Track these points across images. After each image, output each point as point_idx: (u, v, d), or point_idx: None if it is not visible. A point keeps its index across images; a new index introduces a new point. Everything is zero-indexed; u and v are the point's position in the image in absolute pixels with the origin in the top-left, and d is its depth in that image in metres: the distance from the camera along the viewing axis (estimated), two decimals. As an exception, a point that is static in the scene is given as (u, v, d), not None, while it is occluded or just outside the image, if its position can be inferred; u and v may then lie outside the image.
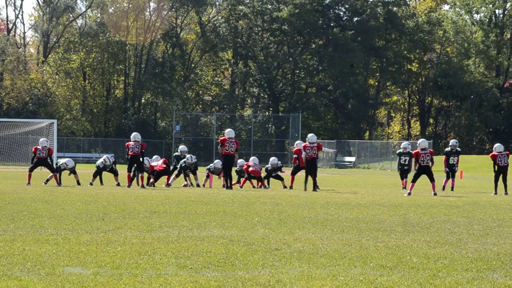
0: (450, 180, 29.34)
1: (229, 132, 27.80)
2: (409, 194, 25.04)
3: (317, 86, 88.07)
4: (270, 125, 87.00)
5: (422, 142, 26.53)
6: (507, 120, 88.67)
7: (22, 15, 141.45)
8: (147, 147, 29.14)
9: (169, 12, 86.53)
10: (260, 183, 28.89)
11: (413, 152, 27.13)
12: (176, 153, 30.56)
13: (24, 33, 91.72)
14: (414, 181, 25.60)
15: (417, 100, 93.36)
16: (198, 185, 28.60)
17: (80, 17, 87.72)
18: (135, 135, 27.87)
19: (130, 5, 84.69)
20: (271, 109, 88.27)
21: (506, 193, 27.20)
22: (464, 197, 24.98)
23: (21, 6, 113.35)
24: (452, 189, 28.98)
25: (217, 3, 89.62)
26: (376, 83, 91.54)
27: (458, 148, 29.78)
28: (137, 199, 20.17)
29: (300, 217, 15.93)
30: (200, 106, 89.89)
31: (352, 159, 73.07)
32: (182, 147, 30.49)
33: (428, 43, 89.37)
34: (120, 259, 9.59)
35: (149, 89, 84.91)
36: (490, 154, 28.23)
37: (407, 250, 10.94)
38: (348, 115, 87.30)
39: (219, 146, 27.49)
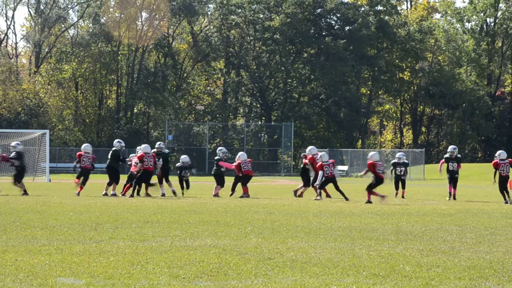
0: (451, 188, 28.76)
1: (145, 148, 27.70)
2: (369, 202, 25.39)
3: (309, 95, 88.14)
4: (262, 134, 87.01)
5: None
6: (499, 128, 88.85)
7: (14, 25, 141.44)
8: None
9: (161, 22, 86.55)
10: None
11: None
12: (178, 164, 29.57)
13: (16, 43, 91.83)
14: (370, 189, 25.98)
15: (409, 108, 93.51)
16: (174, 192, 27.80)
17: (72, 27, 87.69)
18: (85, 147, 27.86)
19: (122, 15, 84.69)
20: (263, 118, 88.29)
21: (506, 202, 26.50)
22: (456, 205, 25.01)
23: (12, 17, 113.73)
24: (454, 198, 28.45)
25: (209, 13, 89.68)
26: (368, 92, 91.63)
27: (458, 155, 29.42)
28: (129, 209, 20.15)
29: (293, 226, 15.93)
30: (193, 116, 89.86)
31: (345, 167, 73.07)
32: (184, 157, 29.64)
33: (419, 51, 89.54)
34: (113, 269, 9.58)
35: (142, 99, 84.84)
36: (493, 162, 27.20)
37: (400, 259, 10.95)
38: (340, 124, 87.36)
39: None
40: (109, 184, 27.94)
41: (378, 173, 25.71)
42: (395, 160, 30.57)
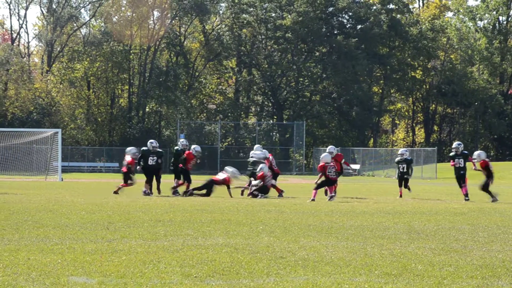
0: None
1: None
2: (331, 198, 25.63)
3: (321, 93, 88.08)
4: (274, 133, 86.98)
5: (325, 157, 26.53)
6: (511, 126, 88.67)
7: (26, 24, 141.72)
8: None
9: (173, 21, 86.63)
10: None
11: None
12: (176, 147, 29.57)
13: (28, 42, 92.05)
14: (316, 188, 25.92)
15: (421, 107, 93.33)
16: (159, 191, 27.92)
17: (84, 26, 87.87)
18: (131, 150, 27.94)
19: (134, 14, 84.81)
20: (275, 117, 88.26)
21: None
22: (468, 204, 24.94)
23: (25, 16, 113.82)
24: (466, 197, 27.06)
25: (221, 12, 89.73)
26: (380, 91, 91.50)
27: (464, 151, 28.01)
28: (141, 208, 20.18)
29: (304, 225, 15.92)
30: (205, 115, 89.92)
31: (357, 166, 72.97)
32: (182, 141, 29.60)
33: (432, 50, 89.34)
34: (125, 268, 9.60)
35: (153, 98, 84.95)
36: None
37: (412, 258, 10.93)
38: (352, 122, 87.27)
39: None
40: (147, 182, 27.96)
41: (328, 175, 25.77)
42: (398, 158, 29.57)
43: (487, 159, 27.56)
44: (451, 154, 28.23)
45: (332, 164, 26.17)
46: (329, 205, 23.06)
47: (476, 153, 27.85)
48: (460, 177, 27.68)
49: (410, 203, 25.00)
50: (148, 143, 28.38)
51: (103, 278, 8.93)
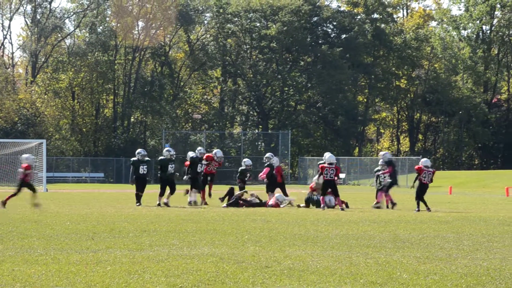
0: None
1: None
2: (323, 208, 25.57)
3: (306, 103, 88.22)
4: (259, 143, 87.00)
5: (330, 158, 26.23)
6: (496, 135, 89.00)
7: (10, 35, 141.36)
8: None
9: (158, 31, 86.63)
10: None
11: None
12: (192, 155, 28.86)
13: (13, 53, 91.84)
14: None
15: (406, 116, 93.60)
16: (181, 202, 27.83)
17: (69, 36, 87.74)
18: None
19: (119, 24, 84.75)
20: (260, 126, 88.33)
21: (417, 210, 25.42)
22: (453, 212, 25.01)
23: (9, 27, 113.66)
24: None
25: (206, 22, 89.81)
26: (365, 100, 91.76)
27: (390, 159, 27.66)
28: (126, 218, 20.14)
29: (290, 234, 15.93)
30: (190, 125, 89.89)
31: (342, 175, 73.06)
32: (200, 148, 29.55)
33: (416, 59, 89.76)
34: (110, 279, 9.57)
35: (138, 108, 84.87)
36: (416, 167, 26.52)
37: (397, 266, 10.95)
38: (337, 131, 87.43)
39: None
40: (160, 195, 27.42)
41: (324, 176, 25.93)
42: (378, 167, 28.20)
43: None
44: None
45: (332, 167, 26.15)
46: (314, 214, 23.07)
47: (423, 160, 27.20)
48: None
49: (396, 212, 25.05)
50: (137, 153, 27.95)
51: (88, 289, 8.90)
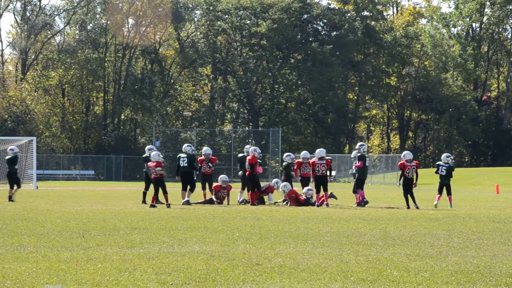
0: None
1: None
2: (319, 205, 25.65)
3: (296, 100, 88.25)
4: (250, 140, 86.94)
5: (320, 152, 26.17)
6: (486, 132, 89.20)
7: None
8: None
9: (148, 28, 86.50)
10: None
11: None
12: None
13: (2, 50, 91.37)
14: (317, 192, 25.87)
15: (396, 113, 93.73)
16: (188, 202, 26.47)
17: (59, 34, 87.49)
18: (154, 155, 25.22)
19: (109, 22, 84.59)
20: (251, 124, 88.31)
21: (408, 207, 25.51)
22: (443, 210, 25.05)
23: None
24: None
25: (196, 19, 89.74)
26: (355, 97, 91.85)
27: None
28: (117, 216, 20.11)
29: (280, 231, 15.93)
30: (180, 122, 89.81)
31: (333, 173, 73.07)
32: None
33: (406, 57, 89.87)
34: (101, 276, 9.56)
35: (129, 105, 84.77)
36: (399, 163, 25.97)
37: (388, 264, 10.96)
38: (327, 129, 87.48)
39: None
40: (184, 190, 26.94)
41: (316, 173, 26.01)
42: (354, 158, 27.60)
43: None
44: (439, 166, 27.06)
45: (323, 163, 26.03)
46: (305, 211, 23.08)
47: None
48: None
49: (386, 209, 25.08)
50: (147, 149, 27.52)
51: (79, 286, 8.89)
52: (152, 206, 24.40)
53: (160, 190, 24.69)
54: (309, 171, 26.53)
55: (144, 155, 27.19)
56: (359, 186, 26.88)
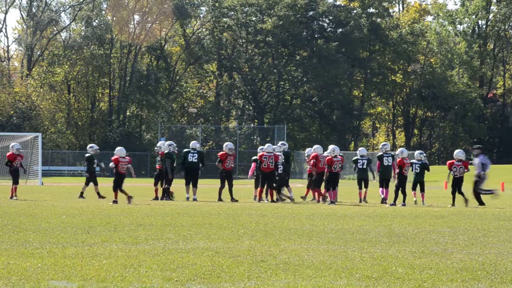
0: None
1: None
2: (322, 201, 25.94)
3: (301, 97, 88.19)
4: (255, 137, 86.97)
5: (336, 149, 26.45)
6: (491, 130, 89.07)
7: (5, 28, 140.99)
8: (132, 160, 28.05)
9: (153, 25, 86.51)
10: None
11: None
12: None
13: (8, 46, 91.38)
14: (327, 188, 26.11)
15: (402, 111, 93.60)
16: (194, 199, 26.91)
17: (64, 30, 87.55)
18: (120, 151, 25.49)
19: (115, 18, 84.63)
20: (256, 120, 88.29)
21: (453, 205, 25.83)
22: (448, 207, 25.02)
23: (4, 20, 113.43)
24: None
25: (201, 16, 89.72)
26: (361, 94, 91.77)
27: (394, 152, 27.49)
28: (122, 212, 20.13)
29: (285, 228, 15.93)
30: (185, 118, 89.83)
31: (338, 170, 72.97)
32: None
33: (412, 54, 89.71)
34: (106, 272, 9.57)
35: (134, 102, 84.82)
36: (448, 162, 26.80)
37: (393, 261, 10.96)
38: (333, 126, 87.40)
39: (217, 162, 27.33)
40: (187, 185, 27.19)
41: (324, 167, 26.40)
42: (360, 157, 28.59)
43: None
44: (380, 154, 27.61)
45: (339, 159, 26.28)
46: (310, 208, 23.08)
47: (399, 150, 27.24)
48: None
49: (391, 207, 25.06)
50: (167, 145, 27.76)
51: (84, 282, 8.90)
52: (115, 202, 24.51)
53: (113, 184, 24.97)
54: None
55: (166, 151, 27.37)
56: (380, 184, 27.24)
